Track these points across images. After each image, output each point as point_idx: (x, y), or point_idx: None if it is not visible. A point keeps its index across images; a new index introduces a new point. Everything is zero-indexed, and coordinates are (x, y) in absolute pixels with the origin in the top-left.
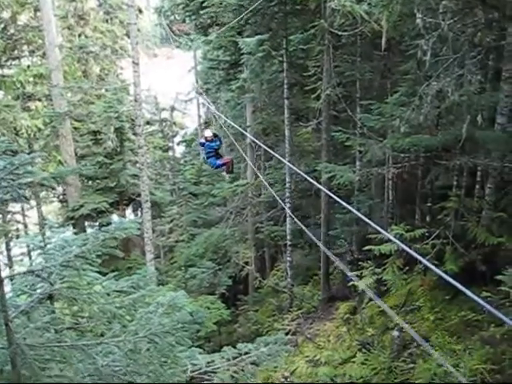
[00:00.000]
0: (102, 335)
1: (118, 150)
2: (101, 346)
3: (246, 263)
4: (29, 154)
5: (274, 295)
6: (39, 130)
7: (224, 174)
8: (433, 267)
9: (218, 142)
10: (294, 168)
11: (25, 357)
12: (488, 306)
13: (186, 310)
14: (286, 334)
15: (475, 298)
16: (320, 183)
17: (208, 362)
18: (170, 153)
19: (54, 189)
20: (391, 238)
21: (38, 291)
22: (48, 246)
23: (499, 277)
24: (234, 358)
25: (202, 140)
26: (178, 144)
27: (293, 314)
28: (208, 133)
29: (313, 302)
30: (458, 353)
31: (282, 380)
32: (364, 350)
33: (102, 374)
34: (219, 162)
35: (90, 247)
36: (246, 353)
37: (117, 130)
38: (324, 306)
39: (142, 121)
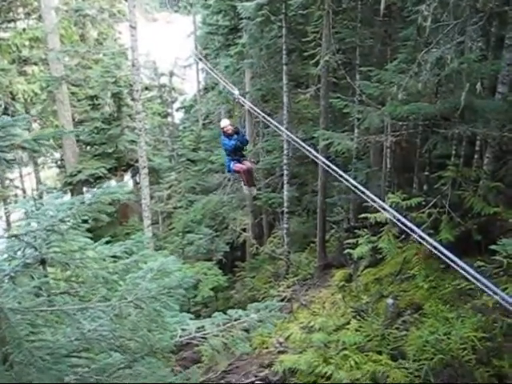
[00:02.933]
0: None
1: (116, 115)
2: (89, 311)
3: (244, 230)
4: (28, 120)
5: (270, 262)
6: (36, 94)
7: (243, 187)
8: (426, 236)
9: (234, 141)
10: (291, 135)
11: (8, 321)
12: (478, 276)
13: (175, 275)
14: (282, 300)
15: (465, 267)
16: (317, 150)
17: (198, 328)
18: (169, 119)
19: (51, 154)
20: (385, 206)
21: (23, 255)
22: (35, 211)
23: (493, 246)
24: (225, 324)
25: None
26: (177, 110)
27: (289, 280)
28: (224, 123)
29: (309, 269)
30: (451, 321)
31: (277, 345)
32: (358, 317)
33: (89, 338)
34: (233, 166)
35: (75, 211)
36: (237, 319)
37: (114, 95)
38: (320, 273)
39: (139, 86)
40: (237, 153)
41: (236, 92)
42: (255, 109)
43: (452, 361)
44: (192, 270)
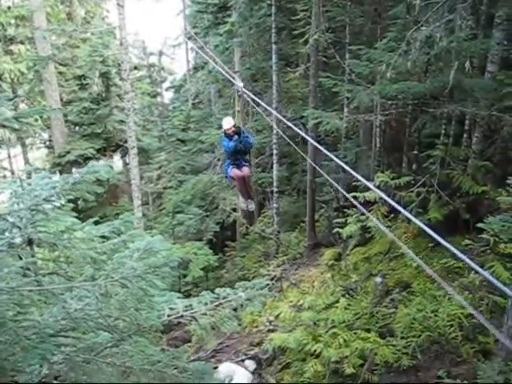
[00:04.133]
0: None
1: (104, 95)
2: (75, 290)
3: (234, 210)
4: (11, 99)
5: (260, 241)
6: (22, 74)
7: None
8: (411, 216)
9: (234, 142)
10: (279, 116)
11: None
12: (462, 256)
13: (161, 254)
14: (272, 279)
15: (449, 247)
16: (307, 129)
17: (186, 307)
18: (158, 99)
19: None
20: (371, 186)
21: (9, 236)
22: (21, 191)
23: (480, 225)
24: (213, 303)
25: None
26: (167, 90)
27: (278, 260)
28: (228, 123)
29: (298, 248)
30: (438, 298)
31: (267, 324)
32: (347, 296)
33: (75, 317)
34: (230, 172)
35: (58, 191)
36: (225, 297)
37: (102, 74)
38: (309, 252)
39: (128, 65)
40: (237, 156)
41: (240, 84)
42: (259, 101)
43: (439, 337)
44: (182, 250)
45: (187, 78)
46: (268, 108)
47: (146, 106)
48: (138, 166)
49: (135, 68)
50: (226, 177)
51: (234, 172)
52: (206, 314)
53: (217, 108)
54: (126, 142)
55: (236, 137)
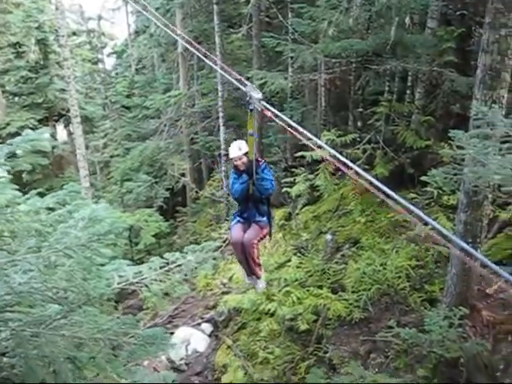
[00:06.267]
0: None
1: (43, 63)
2: (18, 263)
3: (183, 175)
4: None
5: (211, 205)
6: None
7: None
8: (361, 171)
9: (243, 184)
10: (226, 75)
11: None
12: (412, 208)
13: (106, 222)
14: (224, 242)
15: (400, 200)
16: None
17: (135, 274)
18: (100, 65)
19: None
20: (321, 143)
21: None
22: None
23: (424, 178)
24: (162, 268)
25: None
26: (108, 56)
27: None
28: (234, 149)
29: None
30: (386, 252)
31: (221, 287)
32: (299, 254)
33: (20, 292)
34: (232, 228)
35: None
36: (174, 262)
37: (39, 41)
38: None
39: (65, 31)
40: (248, 205)
41: (258, 95)
42: (272, 109)
43: (388, 289)
44: (132, 218)
45: (129, 42)
46: (214, 66)
47: (87, 73)
48: (83, 135)
49: (74, 34)
50: (230, 229)
51: (233, 231)
52: (156, 280)
53: (161, 73)
54: (68, 111)
55: (245, 176)
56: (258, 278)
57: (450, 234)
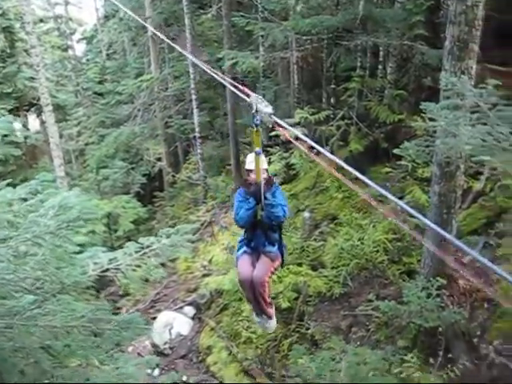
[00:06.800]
0: None
1: (10, 51)
2: None
3: (159, 159)
4: None
5: (188, 189)
6: None
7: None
8: (327, 153)
9: (249, 210)
10: (195, 59)
11: None
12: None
13: (76, 209)
14: (202, 224)
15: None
16: (223, 72)
17: (110, 260)
18: (70, 52)
19: None
20: (286, 126)
21: None
22: None
23: (396, 151)
24: (137, 253)
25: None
26: (78, 42)
27: (207, 205)
28: (251, 160)
29: (226, 191)
30: (364, 227)
31: (201, 269)
32: None
33: None
34: (239, 258)
35: None
36: (149, 246)
37: (4, 29)
38: None
39: (31, 18)
40: (256, 232)
41: (268, 109)
42: (287, 126)
43: (367, 264)
44: (110, 205)
45: (98, 27)
46: (183, 52)
47: (57, 60)
48: (56, 123)
49: (41, 21)
50: (236, 261)
51: (240, 266)
52: (131, 265)
53: (132, 57)
54: (39, 99)
55: (252, 201)
56: (270, 318)
57: (416, 214)
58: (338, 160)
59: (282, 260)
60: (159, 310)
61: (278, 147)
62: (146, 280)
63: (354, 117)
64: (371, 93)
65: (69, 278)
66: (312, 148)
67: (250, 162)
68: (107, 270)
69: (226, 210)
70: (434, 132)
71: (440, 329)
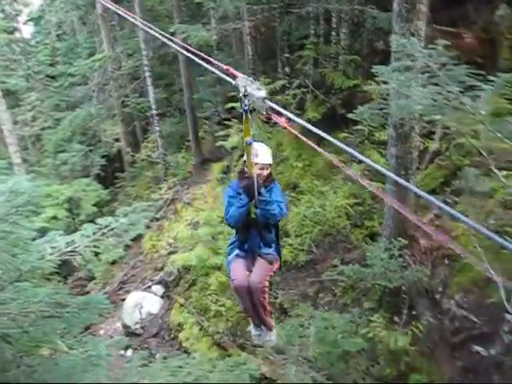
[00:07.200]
0: None
1: None
2: None
3: (117, 140)
4: None
5: (149, 167)
6: None
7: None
8: (295, 117)
9: (241, 207)
10: (149, 30)
11: None
12: (348, 148)
13: (26, 193)
14: (165, 202)
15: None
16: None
17: (67, 243)
18: (17, 34)
19: None
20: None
21: None
22: None
23: (351, 115)
24: (95, 234)
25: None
26: (25, 24)
27: (169, 182)
28: (265, 154)
29: (187, 167)
30: (325, 193)
31: (167, 247)
32: None
33: None
34: (231, 262)
35: None
36: (107, 226)
37: None
38: (198, 169)
39: None
40: (250, 232)
41: (261, 93)
42: (286, 113)
43: (330, 230)
44: (70, 190)
45: (45, 8)
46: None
47: (3, 44)
48: (8, 109)
49: None
50: (227, 266)
51: (233, 271)
52: (89, 247)
53: (82, 37)
54: None
55: (245, 198)
56: (270, 329)
57: (380, 168)
58: (306, 124)
59: (280, 261)
60: (128, 291)
61: (235, 120)
62: (113, 262)
63: (310, 85)
64: (326, 60)
65: (25, 264)
66: (269, 118)
67: (264, 155)
68: (64, 253)
69: (188, 186)
70: (388, 95)
71: (403, 288)
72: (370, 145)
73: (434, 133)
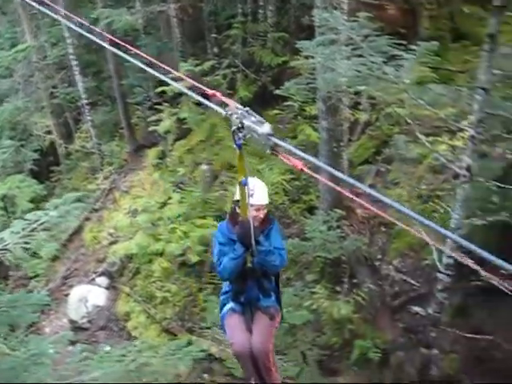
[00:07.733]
0: None
1: None
2: None
3: (49, 132)
4: None
5: (84, 158)
6: None
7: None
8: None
9: (236, 258)
10: (70, 24)
11: None
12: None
13: None
14: (102, 192)
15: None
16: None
17: None
18: None
19: None
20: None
21: None
22: None
23: (278, 91)
24: (25, 230)
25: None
26: None
27: (105, 171)
28: (262, 193)
29: (122, 155)
30: (262, 171)
31: (108, 238)
32: (178, 190)
33: None
34: (225, 317)
35: None
36: (37, 221)
37: None
38: (133, 157)
39: None
40: (247, 283)
41: (265, 129)
42: (299, 153)
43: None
44: (3, 187)
45: None
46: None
47: None
48: None
49: None
50: (222, 326)
51: (230, 332)
52: (19, 243)
53: (3, 27)
54: None
55: (239, 248)
56: None
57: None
58: (316, 161)
59: (282, 311)
60: (72, 286)
61: (167, 104)
62: (55, 258)
63: (240, 64)
64: (254, 38)
65: None
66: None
67: (260, 194)
68: None
69: (125, 174)
70: (314, 69)
71: (343, 258)
72: (303, 120)
73: (359, 103)
